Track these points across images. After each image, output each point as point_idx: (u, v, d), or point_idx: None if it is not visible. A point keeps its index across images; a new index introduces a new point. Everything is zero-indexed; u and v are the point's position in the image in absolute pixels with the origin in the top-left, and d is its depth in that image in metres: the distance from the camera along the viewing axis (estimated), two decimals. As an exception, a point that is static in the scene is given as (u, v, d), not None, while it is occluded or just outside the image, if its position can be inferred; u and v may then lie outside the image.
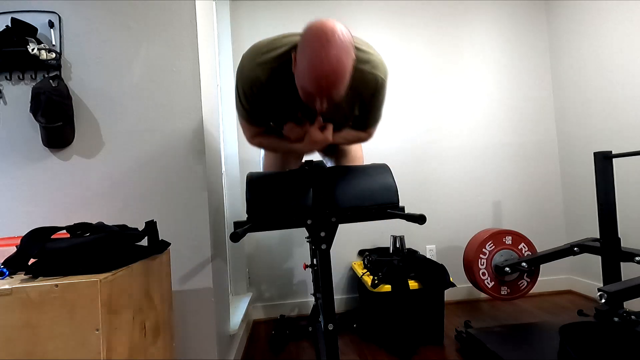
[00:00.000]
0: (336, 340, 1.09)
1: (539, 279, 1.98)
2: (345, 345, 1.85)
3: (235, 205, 2.25)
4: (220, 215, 1.58)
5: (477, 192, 2.50)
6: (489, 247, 1.96)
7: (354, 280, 2.38)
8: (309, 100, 0.96)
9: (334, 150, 1.49)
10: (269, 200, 1.10)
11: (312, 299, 2.32)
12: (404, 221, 2.28)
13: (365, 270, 2.00)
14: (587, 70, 2.29)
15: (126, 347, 0.79)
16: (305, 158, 1.55)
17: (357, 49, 1.01)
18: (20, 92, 1.26)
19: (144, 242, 1.00)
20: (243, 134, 1.25)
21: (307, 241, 2.20)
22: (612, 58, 2.11)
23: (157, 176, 1.30)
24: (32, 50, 1.21)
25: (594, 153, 1.67)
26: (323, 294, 1.11)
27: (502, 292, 1.95)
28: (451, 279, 1.82)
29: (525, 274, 1.96)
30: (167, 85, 1.31)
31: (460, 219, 2.48)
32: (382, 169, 1.21)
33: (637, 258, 1.50)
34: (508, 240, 1.98)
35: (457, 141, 2.50)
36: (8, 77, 1.26)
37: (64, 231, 0.80)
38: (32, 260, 0.74)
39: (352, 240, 2.39)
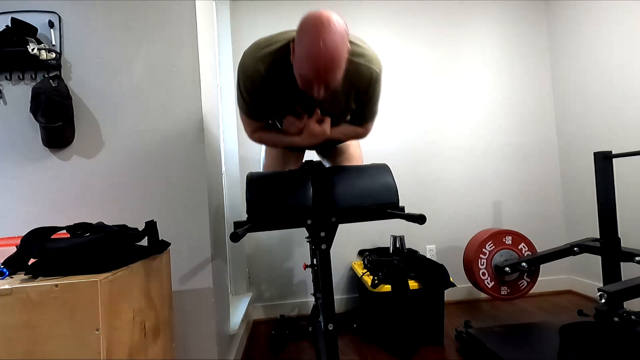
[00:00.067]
0: (336, 340, 1.09)
1: (539, 279, 1.98)
2: (345, 345, 1.85)
3: (235, 205, 2.25)
4: (220, 215, 1.58)
5: (477, 192, 2.50)
6: (489, 247, 1.96)
7: (354, 280, 2.38)
8: (307, 88, 0.98)
9: (333, 150, 1.49)
10: (269, 200, 1.10)
11: (312, 299, 2.32)
12: (404, 221, 2.28)
13: (365, 270, 2.00)
14: (587, 70, 2.29)
15: (126, 347, 0.79)
16: (305, 158, 1.55)
17: (351, 42, 1.04)
18: (20, 92, 1.26)
19: (144, 242, 1.00)
20: (244, 131, 1.27)
21: (307, 241, 2.20)
22: (612, 58, 2.11)
23: (157, 176, 1.30)
24: (32, 50, 1.21)
25: (594, 153, 1.67)
26: (323, 294, 1.11)
27: (502, 292, 1.95)
28: (451, 279, 1.82)
29: (525, 274, 1.96)
30: (167, 85, 1.31)
31: (460, 219, 2.48)
32: (382, 169, 1.21)
33: (637, 258, 1.50)
34: (508, 240, 1.98)
35: (457, 141, 2.50)
36: (8, 77, 1.26)
37: (64, 231, 0.81)
38: (32, 260, 0.74)
39: (352, 240, 2.39)
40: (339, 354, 1.49)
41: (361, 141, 1.66)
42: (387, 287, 1.76)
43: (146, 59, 1.31)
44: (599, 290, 1.33)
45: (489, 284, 1.94)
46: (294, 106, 1.14)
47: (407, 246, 2.14)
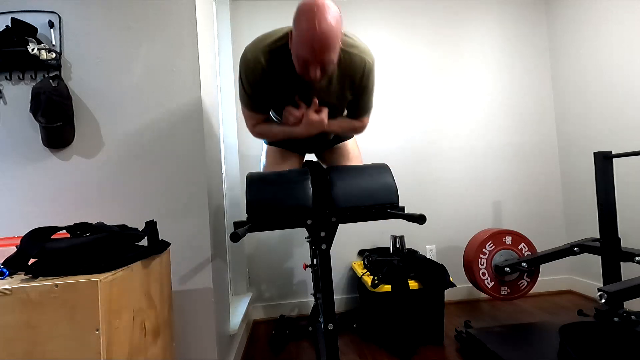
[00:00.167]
0: (336, 340, 1.09)
1: (539, 279, 1.98)
2: (345, 345, 1.85)
3: (235, 205, 2.25)
4: (220, 215, 1.58)
5: (477, 192, 2.50)
6: (489, 247, 1.96)
7: (354, 280, 2.38)
8: (304, 71, 1.03)
9: (332, 150, 1.49)
10: (269, 200, 1.10)
11: (312, 299, 2.32)
12: (404, 221, 2.28)
13: (365, 270, 2.00)
14: (587, 70, 2.29)
15: (126, 347, 0.79)
16: (305, 158, 1.55)
17: (345, 35, 1.10)
18: (20, 92, 1.26)
19: (144, 242, 1.00)
20: (245, 125, 1.30)
21: (307, 241, 2.20)
22: (611, 58, 2.11)
23: (157, 176, 1.30)
24: (32, 50, 1.21)
25: (594, 153, 1.67)
26: (323, 294, 1.11)
27: (502, 292, 1.95)
28: (451, 279, 1.82)
29: (525, 274, 1.96)
30: (167, 85, 1.31)
31: (460, 219, 2.48)
32: (382, 169, 1.21)
33: (637, 258, 1.50)
34: (508, 240, 1.98)
35: (457, 141, 2.50)
36: (8, 77, 1.26)
37: (64, 231, 0.81)
38: (32, 260, 0.74)
39: (352, 240, 2.39)
40: (339, 354, 1.49)
41: (361, 141, 1.66)
42: (387, 287, 1.76)
43: (146, 59, 1.31)
44: (599, 290, 1.33)
45: (489, 284, 1.94)
46: (293, 97, 1.17)
47: (407, 246, 2.14)
